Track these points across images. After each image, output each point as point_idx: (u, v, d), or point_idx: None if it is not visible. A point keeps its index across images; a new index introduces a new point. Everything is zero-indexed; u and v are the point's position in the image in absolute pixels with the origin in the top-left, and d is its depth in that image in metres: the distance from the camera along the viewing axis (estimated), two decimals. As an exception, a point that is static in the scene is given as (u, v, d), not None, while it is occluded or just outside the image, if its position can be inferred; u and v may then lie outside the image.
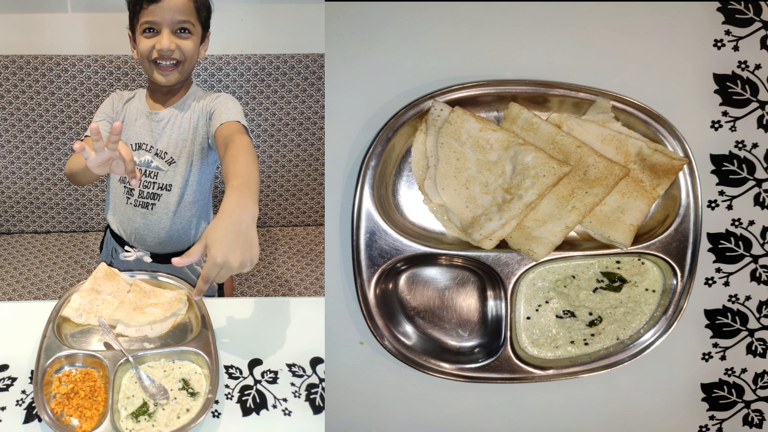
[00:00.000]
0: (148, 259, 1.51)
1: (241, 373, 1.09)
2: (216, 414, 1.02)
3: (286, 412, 1.03)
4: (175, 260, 1.02)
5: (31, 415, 1.01)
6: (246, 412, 1.03)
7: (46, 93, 1.92)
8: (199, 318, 1.15)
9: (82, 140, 1.34)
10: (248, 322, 1.21)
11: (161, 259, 1.51)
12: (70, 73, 1.91)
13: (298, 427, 1.01)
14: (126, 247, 1.52)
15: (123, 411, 1.01)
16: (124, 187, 1.46)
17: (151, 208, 1.46)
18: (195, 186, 1.46)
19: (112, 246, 1.57)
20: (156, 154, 1.43)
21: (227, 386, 1.06)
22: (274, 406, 1.04)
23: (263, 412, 1.03)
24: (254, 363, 1.10)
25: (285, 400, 1.05)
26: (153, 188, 1.45)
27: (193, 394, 1.03)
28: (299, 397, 1.05)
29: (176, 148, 1.42)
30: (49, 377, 1.04)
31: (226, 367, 1.09)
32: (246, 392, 1.06)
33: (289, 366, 1.10)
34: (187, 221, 1.49)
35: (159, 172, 1.43)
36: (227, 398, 1.05)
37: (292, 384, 1.07)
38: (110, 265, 1.37)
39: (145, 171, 1.44)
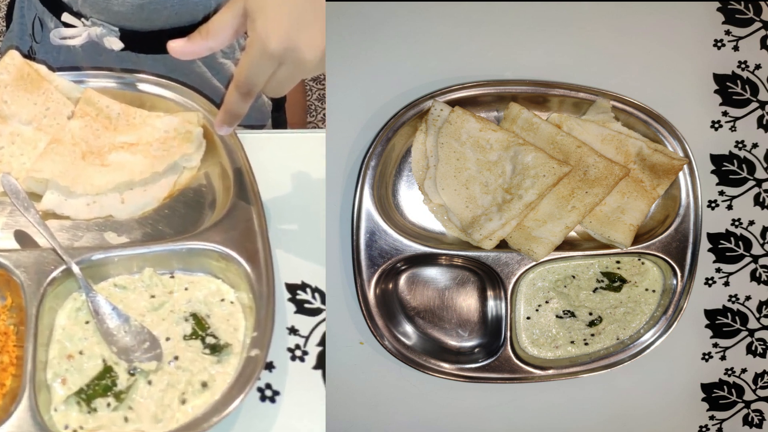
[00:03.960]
0: (117, 44, 0.81)
1: (325, 301, 0.54)
2: (269, 395, 0.52)
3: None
4: (173, 45, 0.55)
5: None
6: None
7: None
8: (230, 176, 0.65)
9: None
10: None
11: (143, 43, 0.81)
12: None
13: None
14: (66, 16, 0.80)
15: (59, 386, 0.51)
16: None
17: None
18: None
19: (34, 13, 0.83)
20: None
21: (295, 331, 0.55)
22: None
23: None
24: None
25: None
26: None
27: (215, 349, 0.54)
28: None
29: None
30: None
31: (291, 289, 0.57)
32: None
33: None
34: None
35: None
36: (294, 359, 0.54)
37: None
38: (30, 56, 0.75)
39: None
